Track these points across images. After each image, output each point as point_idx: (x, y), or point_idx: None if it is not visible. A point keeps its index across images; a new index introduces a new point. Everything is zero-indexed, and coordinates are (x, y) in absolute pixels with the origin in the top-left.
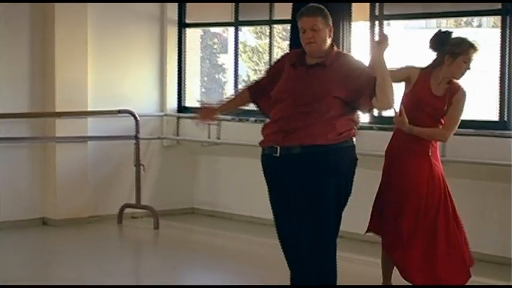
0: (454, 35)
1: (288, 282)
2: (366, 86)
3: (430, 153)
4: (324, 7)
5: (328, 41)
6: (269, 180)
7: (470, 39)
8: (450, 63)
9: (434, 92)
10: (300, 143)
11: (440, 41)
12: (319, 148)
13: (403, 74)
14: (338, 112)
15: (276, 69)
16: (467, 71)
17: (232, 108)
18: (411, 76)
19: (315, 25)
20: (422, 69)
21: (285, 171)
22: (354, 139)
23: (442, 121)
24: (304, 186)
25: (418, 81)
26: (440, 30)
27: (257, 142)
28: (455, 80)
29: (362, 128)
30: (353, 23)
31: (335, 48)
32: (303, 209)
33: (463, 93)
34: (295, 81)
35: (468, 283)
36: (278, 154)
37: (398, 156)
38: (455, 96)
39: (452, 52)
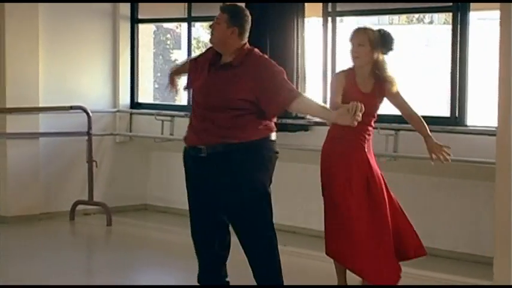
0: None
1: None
2: (275, 96)
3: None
4: (239, 7)
5: (233, 39)
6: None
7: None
8: None
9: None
10: (208, 142)
11: None
12: (234, 145)
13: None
14: (245, 112)
15: (195, 64)
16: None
17: (181, 74)
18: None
19: (217, 19)
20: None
21: (203, 170)
22: (272, 134)
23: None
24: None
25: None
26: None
27: None
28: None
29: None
30: (306, 19)
31: (247, 48)
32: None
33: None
34: (207, 81)
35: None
36: (204, 154)
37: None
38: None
39: None
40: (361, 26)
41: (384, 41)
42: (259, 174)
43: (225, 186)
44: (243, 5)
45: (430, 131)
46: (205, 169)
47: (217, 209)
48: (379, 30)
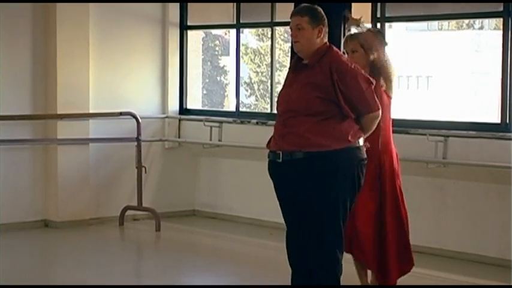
0: None
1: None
2: (355, 102)
3: None
4: (315, 7)
5: (317, 41)
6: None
7: None
8: None
9: None
10: (295, 148)
11: None
12: (314, 153)
13: None
14: (327, 116)
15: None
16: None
17: None
18: None
19: (299, 24)
20: None
21: (287, 176)
22: (360, 140)
23: None
24: (307, 190)
25: None
26: None
27: (258, 144)
28: None
29: None
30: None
31: (326, 46)
32: (307, 213)
33: None
34: (287, 86)
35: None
36: (280, 159)
37: None
38: None
39: None
40: (350, 32)
41: (379, 38)
42: (336, 184)
43: (302, 195)
44: (292, 5)
45: (480, 137)
46: (283, 175)
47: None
48: (370, 30)
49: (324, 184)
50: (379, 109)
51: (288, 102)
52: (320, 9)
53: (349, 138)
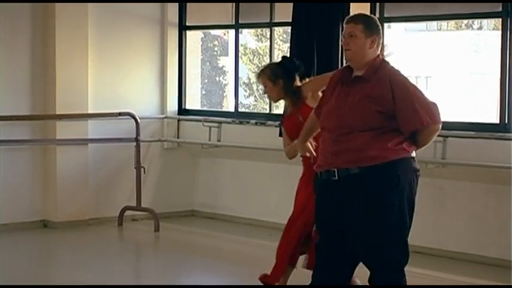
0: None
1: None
2: (410, 113)
3: None
4: (371, 17)
5: (370, 52)
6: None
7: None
8: None
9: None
10: (351, 165)
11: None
12: (373, 167)
13: None
14: (386, 127)
15: (327, 88)
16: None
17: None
18: None
19: (352, 32)
20: None
21: (342, 193)
22: (413, 151)
23: None
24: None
25: None
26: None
27: (257, 144)
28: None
29: None
30: None
31: (380, 59)
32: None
33: None
34: (337, 100)
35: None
36: (336, 177)
37: None
38: None
39: None
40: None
41: None
42: (396, 194)
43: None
44: (291, 6)
45: (479, 138)
46: (338, 193)
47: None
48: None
49: (384, 195)
50: (439, 123)
51: (342, 117)
52: (376, 19)
53: (405, 147)
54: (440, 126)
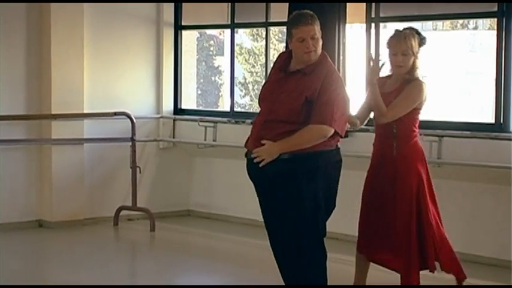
0: None
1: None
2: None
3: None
4: (313, 13)
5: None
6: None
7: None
8: None
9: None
10: None
11: None
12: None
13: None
14: (306, 121)
15: (271, 71)
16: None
17: None
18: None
19: (314, 34)
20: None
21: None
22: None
23: None
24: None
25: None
26: None
27: None
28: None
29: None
30: (349, 25)
31: (324, 54)
32: (284, 211)
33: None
34: (274, 84)
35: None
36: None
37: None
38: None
39: None
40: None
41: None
42: (303, 186)
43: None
44: (286, 5)
45: (474, 137)
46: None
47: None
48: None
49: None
50: (330, 126)
51: (273, 103)
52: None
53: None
54: (329, 133)
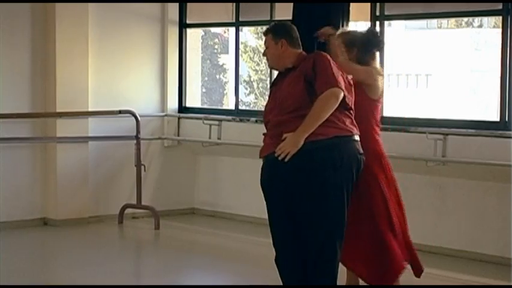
0: None
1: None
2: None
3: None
4: (278, 23)
5: (287, 51)
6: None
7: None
8: None
9: None
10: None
11: None
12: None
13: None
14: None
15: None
16: None
17: None
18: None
19: (265, 43)
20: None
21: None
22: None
23: None
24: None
25: None
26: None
27: (257, 142)
28: None
29: None
30: (354, 23)
31: (305, 54)
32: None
33: None
34: (276, 89)
35: (467, 283)
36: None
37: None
38: None
39: None
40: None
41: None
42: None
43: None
44: (291, 4)
45: (479, 135)
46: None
47: None
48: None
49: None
50: (338, 87)
51: (280, 103)
52: (283, 23)
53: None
54: (339, 94)
